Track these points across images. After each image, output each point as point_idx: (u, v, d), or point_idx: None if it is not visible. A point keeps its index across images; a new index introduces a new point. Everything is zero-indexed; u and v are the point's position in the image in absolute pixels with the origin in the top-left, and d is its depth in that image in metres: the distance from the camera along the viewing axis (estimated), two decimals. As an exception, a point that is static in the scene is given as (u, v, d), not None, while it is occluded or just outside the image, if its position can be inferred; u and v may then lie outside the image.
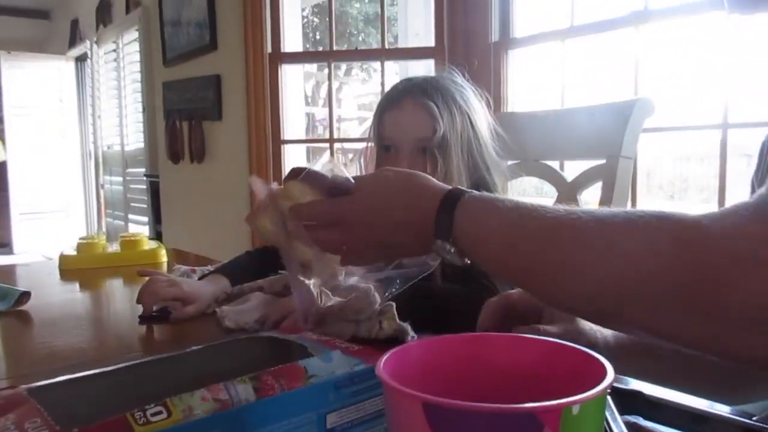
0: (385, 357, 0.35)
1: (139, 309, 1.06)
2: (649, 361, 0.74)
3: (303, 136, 3.17)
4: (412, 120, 1.03)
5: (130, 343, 0.85)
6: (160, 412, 0.36)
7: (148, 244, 1.45)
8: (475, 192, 0.57)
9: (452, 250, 0.58)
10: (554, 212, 0.51)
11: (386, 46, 2.62)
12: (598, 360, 0.34)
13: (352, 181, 0.63)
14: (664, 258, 0.43)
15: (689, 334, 0.44)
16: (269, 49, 2.58)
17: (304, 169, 0.64)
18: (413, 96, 1.03)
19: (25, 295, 1.00)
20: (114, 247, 1.43)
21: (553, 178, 1.29)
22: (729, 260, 0.41)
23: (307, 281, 0.66)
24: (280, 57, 2.59)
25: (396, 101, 1.05)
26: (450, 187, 0.59)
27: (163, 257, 1.43)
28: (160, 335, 0.87)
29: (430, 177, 0.62)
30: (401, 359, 0.36)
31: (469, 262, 0.58)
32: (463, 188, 0.59)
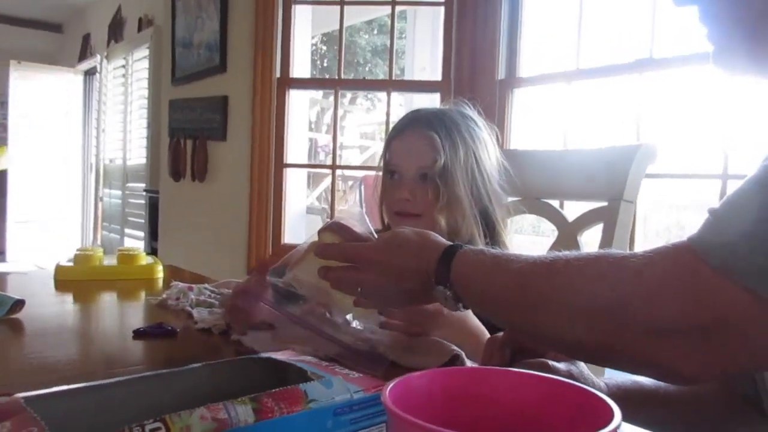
0: (390, 385, 0.35)
1: (133, 324, 1.05)
2: (647, 410, 0.75)
3: (305, 161, 3.19)
4: (414, 149, 1.06)
5: (123, 357, 0.84)
6: (158, 429, 0.36)
7: (145, 260, 1.45)
8: (471, 246, 0.67)
9: (449, 295, 0.66)
10: (529, 258, 0.61)
11: (393, 78, 2.65)
12: (604, 401, 0.34)
13: (375, 234, 0.75)
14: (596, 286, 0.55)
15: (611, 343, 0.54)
16: (278, 74, 2.61)
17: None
18: (418, 126, 1.07)
19: (19, 303, 0.99)
20: (111, 261, 1.42)
21: (554, 217, 1.29)
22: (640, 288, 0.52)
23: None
24: (288, 82, 2.62)
25: (402, 131, 1.10)
26: (451, 243, 0.68)
27: (159, 273, 1.43)
28: (155, 351, 0.86)
29: (438, 235, 0.71)
30: (405, 389, 0.36)
31: (462, 308, 0.67)
32: (462, 243, 0.68)
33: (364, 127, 8.20)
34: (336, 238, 0.76)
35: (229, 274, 2.71)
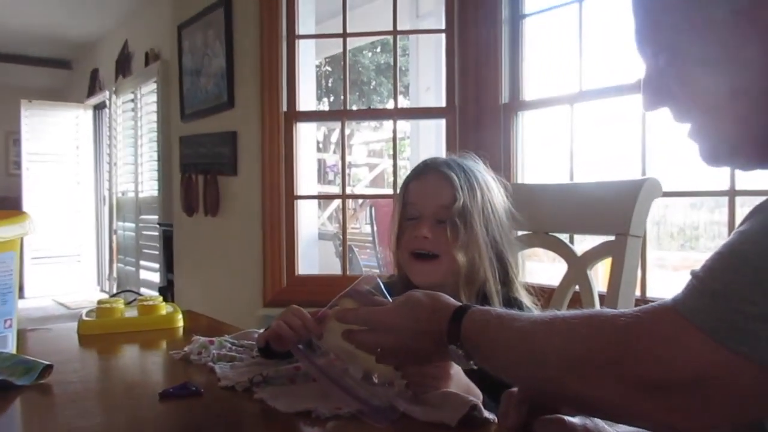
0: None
1: (158, 382, 1.08)
2: None
3: (314, 184, 3.22)
4: (433, 188, 1.09)
5: (152, 423, 0.87)
6: None
7: (165, 309, 1.48)
8: (478, 306, 0.73)
9: (461, 353, 0.72)
10: (530, 317, 0.67)
11: (398, 105, 2.69)
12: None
13: (390, 299, 0.81)
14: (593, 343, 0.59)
15: (611, 400, 0.58)
16: (285, 108, 2.66)
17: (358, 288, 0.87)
18: (437, 168, 1.10)
19: (48, 369, 1.02)
20: (131, 312, 1.46)
21: (563, 251, 1.31)
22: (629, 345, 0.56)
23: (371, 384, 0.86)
24: (295, 115, 2.67)
25: (421, 173, 1.13)
26: (460, 303, 0.74)
27: (180, 322, 1.46)
28: (182, 415, 0.89)
29: (450, 297, 0.76)
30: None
31: (474, 365, 0.72)
32: (470, 303, 0.73)
33: (372, 144, 8.26)
34: (354, 304, 0.84)
35: (245, 307, 2.76)
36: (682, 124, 0.67)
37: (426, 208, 1.08)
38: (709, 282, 0.54)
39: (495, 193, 1.11)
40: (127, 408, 0.94)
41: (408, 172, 1.18)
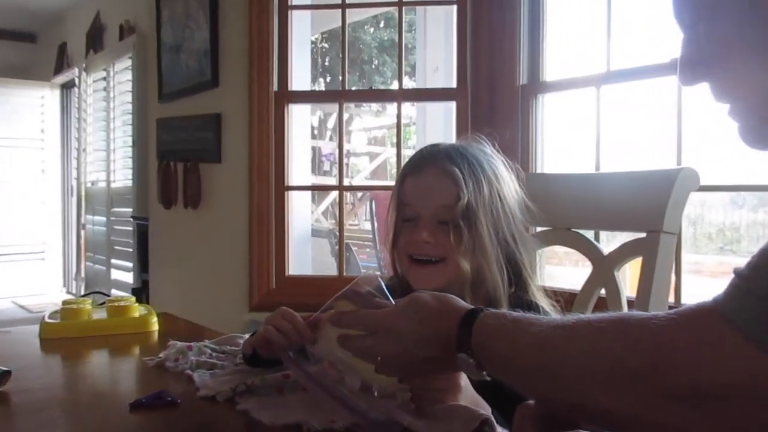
0: None
1: (130, 392, 1.08)
2: None
3: (308, 174, 3.21)
4: (434, 186, 1.06)
5: (121, 436, 0.87)
6: None
7: (138, 311, 1.48)
8: (492, 309, 0.72)
9: (471, 362, 0.71)
10: (550, 321, 0.66)
11: (403, 86, 2.69)
12: None
13: (393, 301, 0.80)
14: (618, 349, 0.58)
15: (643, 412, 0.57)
16: (275, 88, 2.65)
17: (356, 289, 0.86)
18: (437, 162, 1.07)
19: (6, 375, 1.02)
20: (100, 314, 1.45)
21: (588, 250, 1.31)
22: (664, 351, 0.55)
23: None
24: (287, 96, 2.66)
25: (418, 167, 1.10)
26: (472, 306, 0.73)
27: (154, 325, 1.45)
28: (155, 427, 0.89)
29: (459, 299, 0.75)
30: None
31: (486, 375, 0.71)
32: (482, 307, 0.72)
33: (374, 131, 8.26)
34: (352, 306, 0.83)
35: (229, 311, 2.76)
36: (723, 103, 0.66)
37: (425, 209, 1.05)
38: (755, 281, 0.54)
39: (506, 182, 1.09)
40: (94, 419, 0.94)
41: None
